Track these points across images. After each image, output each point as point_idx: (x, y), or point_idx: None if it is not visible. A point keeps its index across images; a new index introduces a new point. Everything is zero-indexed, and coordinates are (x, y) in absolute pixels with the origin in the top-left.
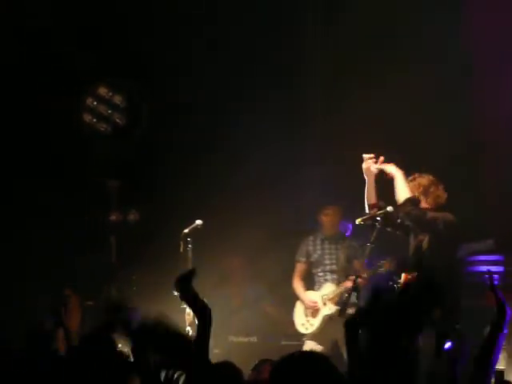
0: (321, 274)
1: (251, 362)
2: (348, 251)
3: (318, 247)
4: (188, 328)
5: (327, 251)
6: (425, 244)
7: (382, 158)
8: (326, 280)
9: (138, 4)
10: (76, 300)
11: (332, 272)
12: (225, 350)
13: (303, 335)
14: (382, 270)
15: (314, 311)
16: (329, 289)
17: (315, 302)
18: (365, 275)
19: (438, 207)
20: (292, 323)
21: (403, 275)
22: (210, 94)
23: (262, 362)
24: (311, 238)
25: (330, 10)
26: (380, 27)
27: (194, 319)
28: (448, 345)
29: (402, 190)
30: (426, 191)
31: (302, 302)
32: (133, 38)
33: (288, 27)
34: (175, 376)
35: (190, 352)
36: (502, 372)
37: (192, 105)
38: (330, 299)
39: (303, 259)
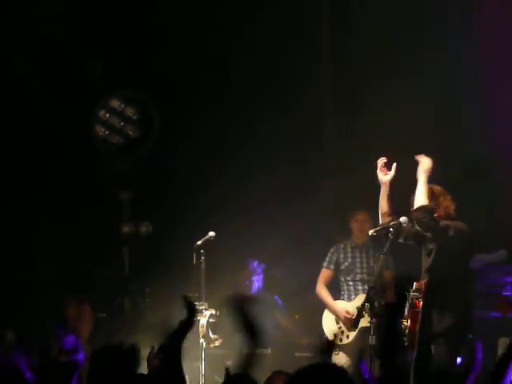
0: (351, 282)
1: (264, 374)
2: (380, 261)
3: (349, 255)
4: (201, 340)
5: (358, 259)
6: (435, 252)
7: (394, 164)
8: (356, 289)
9: (151, 16)
10: (88, 310)
11: (363, 281)
12: (238, 362)
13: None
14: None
15: (349, 322)
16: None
17: (352, 314)
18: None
19: (448, 217)
20: (305, 334)
21: (415, 283)
22: (222, 105)
23: (275, 374)
24: (342, 245)
25: (339, 11)
26: (389, 41)
27: (207, 332)
28: (459, 360)
29: (420, 196)
30: (436, 201)
31: (334, 312)
32: (145, 50)
33: (297, 38)
34: None
35: None
36: None
37: (204, 116)
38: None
39: (332, 267)
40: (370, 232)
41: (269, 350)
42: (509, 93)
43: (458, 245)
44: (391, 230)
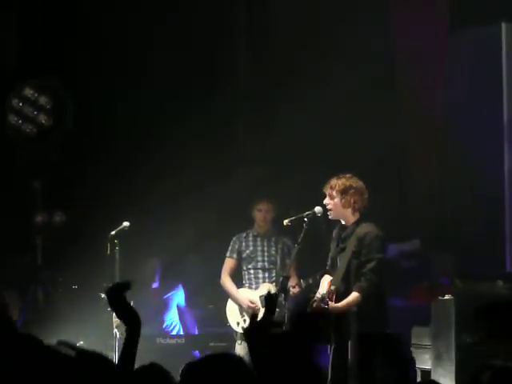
0: (252, 270)
1: (178, 365)
2: (282, 250)
3: (251, 243)
4: (115, 330)
5: (259, 248)
6: (347, 264)
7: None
8: (257, 278)
9: (63, 4)
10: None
11: (263, 269)
12: (152, 353)
13: (236, 334)
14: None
15: (251, 311)
16: (268, 289)
17: (254, 303)
18: (295, 280)
19: (358, 212)
20: (217, 325)
21: (327, 287)
22: (139, 94)
23: None
24: (244, 234)
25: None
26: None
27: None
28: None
29: None
30: (344, 195)
31: (237, 301)
32: (59, 38)
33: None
34: None
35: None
36: (428, 372)
37: (120, 106)
38: None
39: (234, 255)
40: (285, 222)
41: (183, 340)
42: (420, 80)
43: (371, 248)
44: (305, 220)
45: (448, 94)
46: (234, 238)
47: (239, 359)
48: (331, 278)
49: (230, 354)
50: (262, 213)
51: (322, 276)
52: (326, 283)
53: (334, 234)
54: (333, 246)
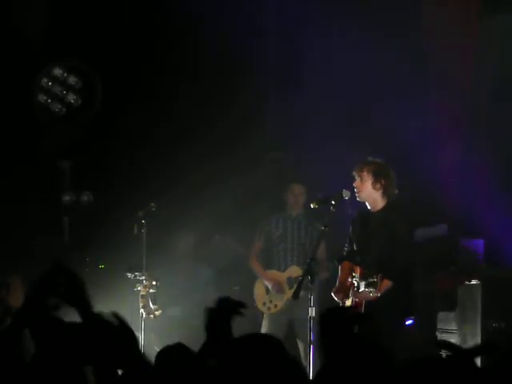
0: (281, 252)
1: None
2: (312, 233)
3: (281, 225)
4: (141, 310)
5: (290, 230)
6: (379, 248)
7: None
8: (286, 259)
9: None
10: (17, 279)
11: (293, 251)
12: (181, 333)
13: (262, 314)
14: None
15: (278, 292)
16: (296, 271)
17: (281, 284)
18: (322, 263)
19: (387, 196)
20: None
21: (358, 269)
22: (165, 76)
23: None
24: (275, 216)
25: None
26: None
27: (148, 302)
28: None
29: None
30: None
31: (264, 281)
32: (88, 17)
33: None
34: None
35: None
36: None
37: (147, 85)
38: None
39: (262, 239)
40: (312, 204)
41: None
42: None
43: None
44: (333, 203)
45: (477, 80)
46: (263, 222)
47: (279, 341)
48: (351, 264)
49: (270, 336)
50: (295, 196)
51: (340, 262)
52: (346, 270)
53: (356, 218)
54: (356, 230)
